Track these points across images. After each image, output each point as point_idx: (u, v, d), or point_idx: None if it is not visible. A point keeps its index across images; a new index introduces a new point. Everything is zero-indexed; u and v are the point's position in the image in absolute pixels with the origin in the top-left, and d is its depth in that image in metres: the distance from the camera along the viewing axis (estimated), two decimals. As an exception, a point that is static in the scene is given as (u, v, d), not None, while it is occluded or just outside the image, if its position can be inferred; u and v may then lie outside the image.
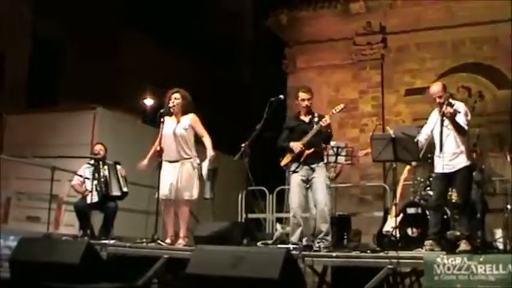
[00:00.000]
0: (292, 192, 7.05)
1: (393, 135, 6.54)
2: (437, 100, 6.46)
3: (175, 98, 7.36)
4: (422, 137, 6.63)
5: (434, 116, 6.59)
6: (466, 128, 6.37)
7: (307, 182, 6.93)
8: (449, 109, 6.21)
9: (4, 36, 14.54)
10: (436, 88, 6.54)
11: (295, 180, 6.98)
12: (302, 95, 7.11)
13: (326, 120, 6.82)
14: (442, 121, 6.38)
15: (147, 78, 17.83)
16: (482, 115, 14.14)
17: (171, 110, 7.34)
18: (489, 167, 8.60)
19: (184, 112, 7.38)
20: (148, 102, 18.41)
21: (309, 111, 7.13)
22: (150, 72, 17.62)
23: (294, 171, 6.99)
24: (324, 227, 6.74)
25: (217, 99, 18.62)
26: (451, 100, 6.40)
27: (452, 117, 6.25)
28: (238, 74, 23.06)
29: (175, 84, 7.70)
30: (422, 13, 15.15)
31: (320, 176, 6.89)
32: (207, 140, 7.26)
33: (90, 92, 14.03)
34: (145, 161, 7.43)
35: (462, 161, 6.39)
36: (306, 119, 7.06)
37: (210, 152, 7.19)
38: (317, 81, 15.49)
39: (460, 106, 6.45)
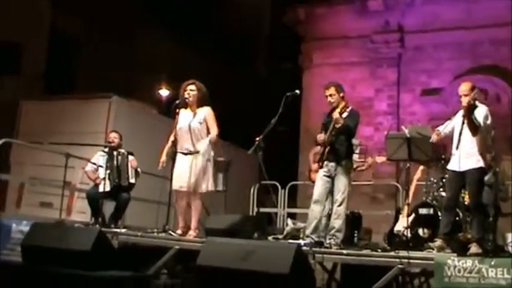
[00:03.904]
0: (315, 186, 7.06)
1: (408, 135, 6.52)
2: (463, 98, 6.45)
3: (191, 90, 7.35)
4: (442, 128, 6.66)
5: (459, 116, 6.58)
6: (479, 127, 6.34)
7: (330, 178, 6.88)
8: (466, 100, 6.26)
9: (23, 27, 14.65)
10: (463, 87, 6.53)
11: (319, 174, 6.99)
12: (325, 91, 7.05)
13: (338, 118, 6.72)
14: (464, 119, 6.38)
15: (163, 70, 17.90)
16: (498, 117, 14.03)
17: (186, 101, 7.33)
18: (503, 170, 8.55)
19: (200, 105, 7.36)
20: (164, 93, 18.47)
21: (336, 106, 6.93)
22: (167, 65, 17.69)
23: (320, 167, 6.97)
24: (337, 223, 6.73)
25: (232, 93, 18.65)
26: (476, 102, 6.40)
27: (467, 109, 6.25)
28: (254, 69, 23.09)
29: (190, 77, 7.70)
30: (440, 13, 15.05)
31: (341, 174, 6.80)
32: (213, 132, 7.26)
33: (107, 82, 14.09)
34: (163, 158, 7.39)
35: (475, 162, 6.37)
36: (335, 115, 6.87)
37: (212, 134, 7.20)
38: (333, 78, 15.16)
39: (483, 108, 6.45)
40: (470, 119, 6.29)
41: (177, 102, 7.38)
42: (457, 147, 6.41)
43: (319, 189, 6.93)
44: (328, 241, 6.67)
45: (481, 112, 6.40)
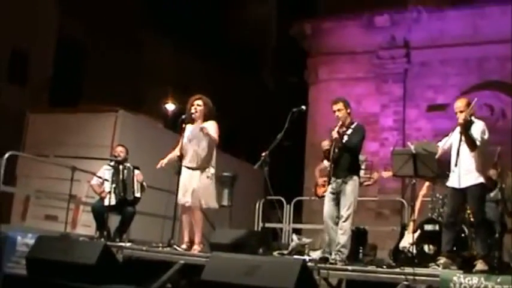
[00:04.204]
0: (324, 202, 7.12)
1: (414, 151, 6.52)
2: (459, 115, 6.47)
3: (198, 105, 7.40)
4: (441, 144, 6.70)
5: (456, 132, 6.59)
6: (477, 143, 6.33)
7: (336, 194, 6.89)
8: (462, 117, 6.28)
9: (30, 36, 14.73)
10: (459, 103, 6.58)
11: (328, 191, 7.02)
12: (332, 106, 7.07)
13: (337, 139, 6.82)
14: (461, 136, 6.40)
15: (169, 81, 17.97)
16: (504, 133, 14.02)
17: (193, 116, 7.37)
18: (509, 186, 8.52)
19: (205, 119, 7.40)
20: (170, 107, 18.51)
21: (344, 122, 7.00)
22: (173, 77, 17.76)
23: (328, 183, 7.01)
24: (343, 239, 6.71)
25: (238, 106, 18.68)
26: (473, 118, 6.41)
27: (463, 126, 6.26)
28: (261, 82, 23.14)
29: (197, 90, 7.73)
30: (446, 29, 15.09)
31: (346, 189, 6.79)
32: (212, 135, 7.27)
33: (113, 93, 14.17)
34: (165, 160, 7.45)
35: (475, 178, 6.36)
36: (334, 134, 6.93)
37: (209, 132, 7.22)
38: (338, 93, 15.34)
39: (479, 124, 6.47)
40: (468, 135, 6.30)
41: (184, 117, 7.41)
42: (455, 164, 6.40)
43: (328, 205, 6.95)
44: (333, 257, 6.66)
45: (478, 127, 6.42)
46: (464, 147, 6.39)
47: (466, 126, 6.34)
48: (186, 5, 19.32)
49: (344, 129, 6.97)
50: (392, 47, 15.75)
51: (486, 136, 6.44)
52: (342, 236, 6.72)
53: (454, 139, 6.55)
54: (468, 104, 6.49)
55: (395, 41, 15.78)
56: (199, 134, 7.25)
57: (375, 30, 15.95)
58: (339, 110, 7.01)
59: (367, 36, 16.03)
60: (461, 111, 6.46)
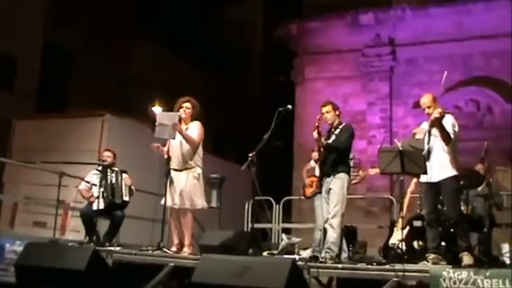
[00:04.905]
0: (315, 204, 7.35)
1: (401, 148, 6.54)
2: (426, 111, 6.53)
3: (187, 108, 7.42)
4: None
5: (425, 127, 6.65)
6: (451, 136, 6.37)
7: (327, 194, 6.93)
8: (437, 111, 6.29)
9: (16, 42, 14.64)
10: (425, 99, 6.61)
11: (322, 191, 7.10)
12: (321, 109, 7.19)
13: (314, 134, 6.96)
14: (430, 131, 6.45)
15: (156, 86, 17.91)
16: (491, 129, 14.13)
17: (181, 118, 7.37)
18: (496, 181, 8.58)
19: (192, 120, 7.45)
20: (157, 110, 18.44)
21: (332, 124, 7.13)
22: (160, 81, 17.70)
23: (321, 185, 7.09)
24: (332, 236, 6.73)
25: (226, 109, 18.68)
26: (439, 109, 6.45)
27: (438, 121, 6.29)
28: (247, 84, 23.14)
29: (184, 93, 7.73)
30: (431, 26, 15.18)
31: (334, 187, 6.84)
32: (193, 135, 7.28)
33: (100, 99, 14.11)
34: (157, 144, 7.40)
35: (449, 171, 6.39)
36: (314, 134, 7.05)
37: (189, 132, 7.24)
38: (325, 92, 15.53)
39: (449, 117, 6.51)
40: (444, 129, 6.33)
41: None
42: (428, 159, 6.41)
43: (319, 208, 7.02)
44: (323, 255, 6.67)
45: (448, 121, 6.46)
46: (437, 142, 6.42)
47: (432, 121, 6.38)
48: (172, 9, 19.29)
49: (332, 129, 7.09)
50: (377, 45, 15.84)
51: (457, 129, 6.49)
52: (331, 233, 6.74)
53: (417, 131, 6.61)
54: (434, 99, 6.54)
55: (381, 39, 15.86)
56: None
57: (360, 29, 16.02)
58: (327, 111, 7.13)
59: (352, 35, 16.10)
60: (428, 107, 6.51)
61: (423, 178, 6.58)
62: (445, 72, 6.73)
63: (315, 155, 7.22)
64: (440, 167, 6.39)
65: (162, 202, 7.25)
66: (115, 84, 16.72)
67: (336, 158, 6.93)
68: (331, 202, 6.81)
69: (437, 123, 6.33)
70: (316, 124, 6.99)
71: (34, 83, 15.55)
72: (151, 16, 18.79)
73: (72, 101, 16.33)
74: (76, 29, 16.13)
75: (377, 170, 7.50)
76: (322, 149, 7.01)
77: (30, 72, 15.41)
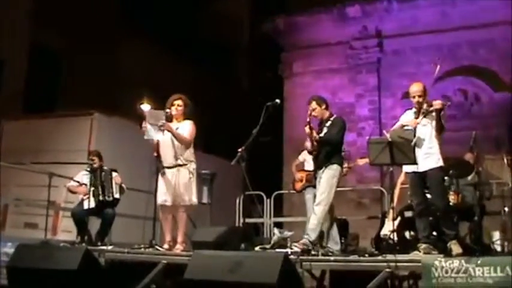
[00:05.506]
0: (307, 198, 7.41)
1: (390, 139, 6.56)
2: (417, 99, 6.51)
3: (178, 105, 7.42)
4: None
5: (410, 116, 6.63)
6: (444, 125, 6.38)
7: (319, 184, 6.97)
8: (439, 102, 6.26)
9: (3, 44, 14.55)
10: (415, 87, 6.58)
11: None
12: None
13: (306, 129, 6.99)
14: (416, 119, 6.44)
15: (145, 84, 17.82)
16: (479, 118, 14.19)
17: (172, 115, 7.36)
18: (486, 170, 8.62)
19: (184, 118, 7.45)
20: (145, 107, 18.36)
21: (322, 118, 7.17)
22: (149, 79, 17.63)
23: (315, 178, 7.13)
24: (312, 223, 6.77)
25: (215, 105, 18.63)
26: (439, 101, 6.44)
27: (439, 113, 6.28)
28: (236, 80, 23.10)
29: (172, 90, 7.71)
30: (418, 17, 15.22)
31: (323, 176, 6.88)
32: (184, 134, 7.27)
33: (88, 99, 14.03)
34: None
35: (435, 161, 6.39)
36: (306, 129, 7.07)
37: (181, 132, 7.21)
38: (314, 86, 15.55)
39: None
40: (440, 119, 6.33)
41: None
42: (414, 148, 6.36)
43: (308, 204, 7.06)
44: (302, 241, 6.67)
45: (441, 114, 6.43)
46: (424, 130, 6.42)
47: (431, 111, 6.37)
48: (157, 5, 19.19)
49: (323, 123, 7.12)
50: (364, 37, 15.87)
51: (445, 119, 6.49)
52: (312, 220, 6.78)
53: (406, 122, 6.59)
54: (425, 89, 6.53)
55: (368, 31, 15.90)
56: (176, 131, 7.25)
57: (347, 22, 16.05)
58: (313, 109, 7.14)
59: (339, 28, 16.12)
60: (419, 96, 6.49)
61: (409, 169, 6.57)
62: (438, 66, 6.71)
63: (308, 144, 7.22)
64: (426, 156, 6.39)
65: (159, 201, 7.23)
66: (103, 83, 16.62)
67: (328, 151, 6.95)
68: (318, 190, 6.87)
69: (437, 113, 6.31)
70: (308, 119, 7.00)
71: (21, 84, 15.45)
72: (137, 13, 18.66)
73: (60, 101, 16.23)
74: (62, 28, 16.01)
75: (366, 160, 7.52)
76: (315, 143, 7.03)
77: (17, 74, 15.32)
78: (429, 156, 6.40)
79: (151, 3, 18.84)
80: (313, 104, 7.14)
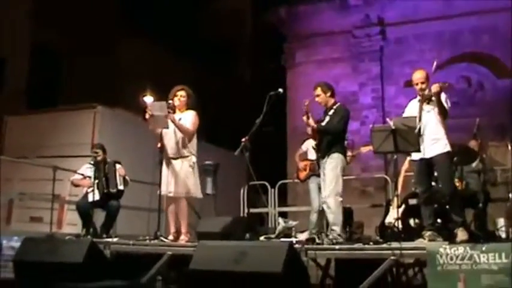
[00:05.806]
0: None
1: (393, 127, 6.55)
2: (420, 86, 6.50)
3: (181, 96, 7.41)
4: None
5: (415, 104, 6.61)
6: (448, 110, 6.36)
7: (324, 174, 6.96)
8: (437, 86, 6.24)
9: (5, 43, 14.58)
10: (418, 75, 6.57)
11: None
12: (313, 92, 7.19)
13: (304, 119, 7.02)
14: (421, 107, 6.42)
15: (146, 78, 17.81)
16: (482, 105, 14.16)
17: (175, 106, 7.36)
18: (490, 157, 8.60)
19: (186, 109, 7.45)
20: (148, 99, 18.34)
21: (326, 105, 7.15)
22: (150, 73, 17.62)
23: (319, 166, 7.13)
24: (331, 217, 6.76)
25: (217, 96, 18.62)
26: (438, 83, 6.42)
27: (438, 95, 6.26)
28: (238, 71, 23.07)
29: (175, 82, 7.71)
30: (420, 4, 15.15)
31: (327, 167, 6.87)
32: (187, 125, 7.27)
33: (90, 94, 14.03)
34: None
35: (443, 147, 6.37)
36: (304, 119, 7.08)
37: (183, 123, 7.22)
38: (316, 75, 15.48)
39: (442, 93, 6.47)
40: (442, 103, 6.31)
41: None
42: (420, 135, 6.34)
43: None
44: (330, 237, 6.66)
45: (442, 97, 6.39)
46: (430, 117, 6.39)
47: (430, 96, 6.35)
48: (157, 4, 19.14)
49: (327, 110, 7.10)
50: (367, 26, 15.82)
51: (449, 104, 6.46)
52: (328, 215, 6.78)
53: (414, 110, 6.57)
54: (427, 76, 6.51)
55: (370, 19, 15.85)
56: (180, 122, 7.25)
57: (349, 10, 16.01)
58: (317, 95, 7.13)
59: (341, 16, 16.08)
60: (422, 82, 6.48)
61: (416, 156, 6.56)
62: (435, 62, 6.70)
63: (309, 129, 7.22)
64: (433, 142, 6.36)
65: (163, 192, 7.24)
66: (104, 78, 16.61)
67: (330, 140, 6.93)
68: (325, 182, 6.85)
69: (437, 96, 6.29)
70: (305, 109, 6.98)
71: (23, 82, 15.49)
72: (137, 7, 18.64)
73: (62, 98, 16.24)
74: (62, 28, 16.01)
75: (369, 148, 7.52)
76: (316, 134, 7.02)
77: (18, 72, 15.35)
78: (436, 142, 6.36)
79: (151, 3, 18.80)
80: (318, 90, 7.14)
